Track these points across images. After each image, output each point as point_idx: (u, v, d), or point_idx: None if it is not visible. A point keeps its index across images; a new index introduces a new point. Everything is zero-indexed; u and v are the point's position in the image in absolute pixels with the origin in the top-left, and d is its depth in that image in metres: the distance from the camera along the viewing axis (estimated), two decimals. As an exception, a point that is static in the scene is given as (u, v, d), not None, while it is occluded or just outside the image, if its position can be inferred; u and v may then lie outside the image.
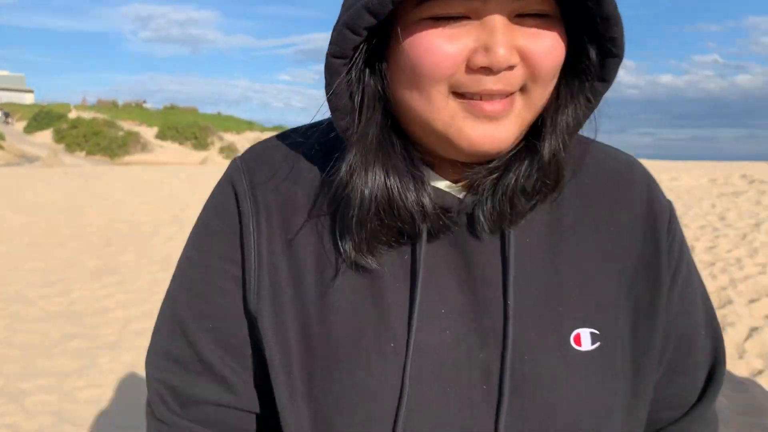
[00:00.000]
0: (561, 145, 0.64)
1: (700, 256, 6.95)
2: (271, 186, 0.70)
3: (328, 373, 0.65)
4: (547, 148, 0.64)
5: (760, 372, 3.99)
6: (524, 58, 0.58)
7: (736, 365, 4.07)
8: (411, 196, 0.63)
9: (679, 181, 15.90)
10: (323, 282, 0.66)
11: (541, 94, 0.61)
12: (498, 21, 0.56)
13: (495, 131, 0.59)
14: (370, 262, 0.65)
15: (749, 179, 15.48)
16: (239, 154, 0.75)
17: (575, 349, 0.66)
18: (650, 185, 0.74)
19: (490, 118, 0.59)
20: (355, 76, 0.61)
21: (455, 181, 0.68)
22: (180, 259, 0.74)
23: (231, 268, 0.70)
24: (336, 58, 0.59)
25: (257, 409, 0.73)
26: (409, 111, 0.62)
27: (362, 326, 0.65)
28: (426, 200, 0.64)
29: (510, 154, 0.65)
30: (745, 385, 3.64)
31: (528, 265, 0.67)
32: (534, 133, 0.64)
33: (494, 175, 0.64)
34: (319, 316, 0.66)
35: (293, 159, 0.71)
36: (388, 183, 0.63)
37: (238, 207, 0.69)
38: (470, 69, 0.57)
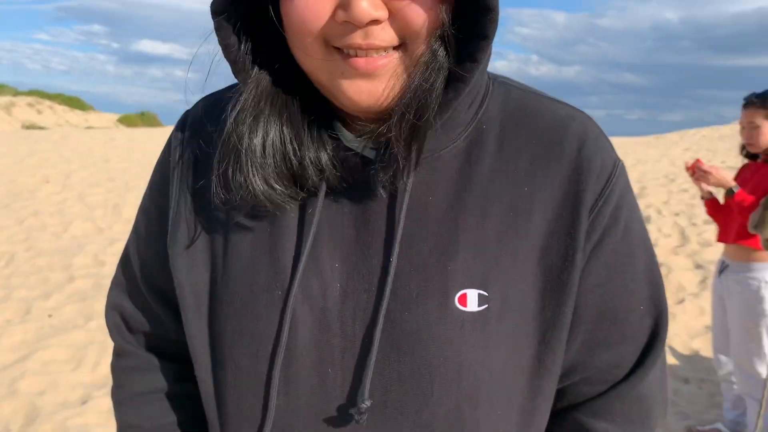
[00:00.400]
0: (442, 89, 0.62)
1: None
2: (194, 139, 0.74)
3: (224, 315, 0.69)
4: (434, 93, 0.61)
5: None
6: (393, 14, 0.57)
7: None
8: (307, 151, 0.64)
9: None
10: (228, 230, 0.70)
11: (423, 49, 0.60)
12: None
13: (372, 87, 0.60)
14: (269, 208, 0.66)
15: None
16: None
17: (458, 309, 0.64)
18: (584, 143, 0.67)
19: (366, 74, 0.59)
20: (243, 28, 0.63)
21: (360, 136, 0.65)
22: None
23: (160, 216, 0.77)
24: (217, 15, 0.62)
25: (184, 338, 0.76)
26: (302, 66, 0.64)
27: (255, 273, 0.68)
28: (323, 155, 0.65)
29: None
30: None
31: (424, 221, 0.66)
32: None
33: (383, 126, 0.62)
34: (223, 264, 0.70)
35: (218, 113, 0.71)
36: (282, 135, 0.64)
37: (169, 158, 0.76)
38: (336, 23, 0.58)
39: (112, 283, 0.84)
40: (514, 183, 0.67)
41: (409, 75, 0.61)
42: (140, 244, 0.80)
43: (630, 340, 0.71)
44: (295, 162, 0.65)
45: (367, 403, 0.64)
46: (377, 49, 0.59)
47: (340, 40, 0.59)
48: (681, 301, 5.16)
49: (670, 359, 4.19)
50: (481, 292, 0.65)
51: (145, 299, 0.81)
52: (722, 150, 15.16)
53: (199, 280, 0.71)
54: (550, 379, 0.69)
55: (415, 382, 0.64)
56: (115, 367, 0.85)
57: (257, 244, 0.69)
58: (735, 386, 3.19)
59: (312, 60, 0.61)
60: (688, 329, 4.70)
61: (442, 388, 0.64)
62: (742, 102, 3.02)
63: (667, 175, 11.39)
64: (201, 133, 0.74)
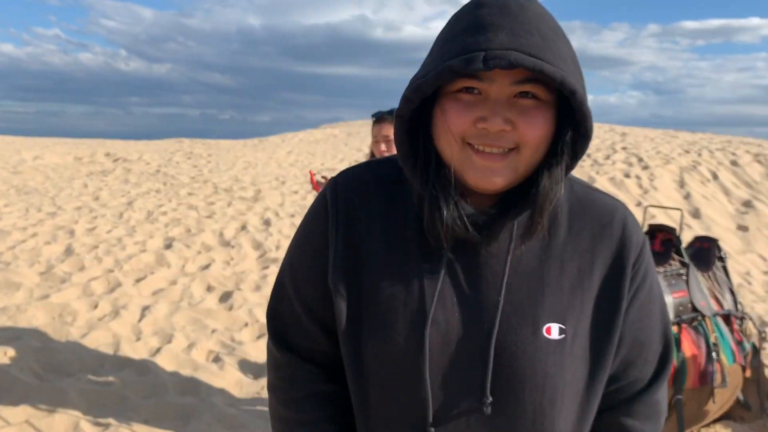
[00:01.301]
0: (549, 190, 0.90)
1: (82, 240, 6.95)
2: (347, 198, 1.00)
3: (372, 336, 0.94)
4: (541, 192, 0.90)
5: (158, 350, 4.34)
6: (514, 127, 0.85)
7: (135, 348, 4.37)
8: (448, 215, 0.90)
9: (43, 159, 14.54)
10: (376, 269, 0.96)
11: (530, 155, 0.87)
12: (496, 100, 0.85)
13: (491, 176, 0.87)
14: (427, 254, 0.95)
15: (113, 157, 15.07)
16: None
17: (545, 337, 0.93)
18: (626, 226, 0.99)
19: (487, 167, 0.87)
20: (410, 129, 0.93)
21: (481, 210, 0.93)
22: (291, 242, 1.07)
23: (315, 256, 1.01)
24: (399, 117, 0.90)
25: (333, 352, 1.04)
26: (441, 154, 0.91)
27: (398, 304, 0.93)
28: (456, 217, 0.90)
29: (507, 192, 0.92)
30: (148, 367, 4.07)
31: (520, 275, 0.94)
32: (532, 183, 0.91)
33: (497, 210, 0.93)
34: (372, 294, 0.95)
35: (373, 182, 1.01)
36: (435, 207, 0.91)
37: (326, 211, 1.00)
38: (475, 128, 0.86)
39: (269, 306, 1.09)
40: (581, 251, 0.97)
41: (515, 170, 0.88)
42: (296, 276, 1.04)
43: (650, 361, 1.02)
44: (439, 222, 0.91)
45: (490, 398, 0.91)
46: (498, 147, 0.86)
47: (475, 140, 0.86)
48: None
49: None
50: (561, 325, 0.94)
51: (299, 317, 1.03)
52: (320, 152, 16.50)
53: (352, 307, 0.96)
54: (600, 388, 0.98)
55: (514, 387, 0.92)
56: (277, 375, 1.07)
57: (397, 282, 0.94)
58: None
59: (450, 151, 0.89)
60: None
61: (532, 392, 0.92)
62: (371, 117, 3.35)
63: (277, 177, 12.20)
64: (353, 195, 1.00)
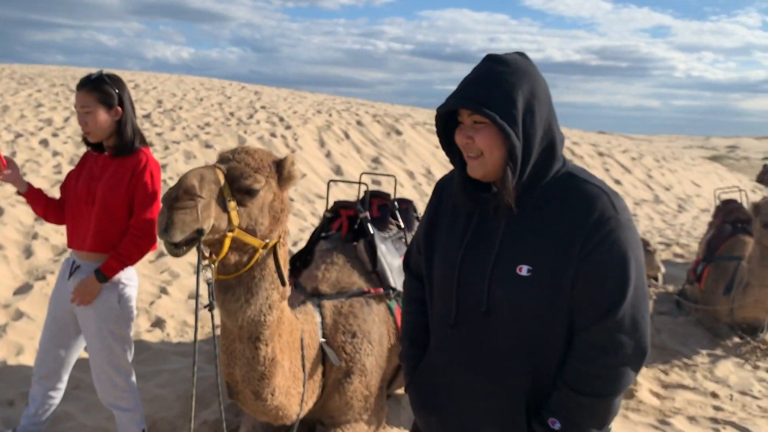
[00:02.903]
0: (507, 179, 1.54)
1: None
2: (444, 190, 1.80)
3: (435, 268, 1.74)
4: (504, 181, 1.55)
5: None
6: (473, 140, 1.54)
7: None
8: (459, 191, 1.66)
9: None
10: (442, 231, 1.75)
11: (488, 157, 1.55)
12: (464, 125, 1.57)
13: (472, 170, 1.58)
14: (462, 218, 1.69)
15: None
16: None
17: (517, 274, 1.55)
18: (595, 206, 1.52)
19: (470, 165, 1.58)
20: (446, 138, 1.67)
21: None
22: None
23: (426, 224, 1.83)
24: (437, 129, 1.67)
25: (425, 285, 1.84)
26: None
27: (445, 251, 1.71)
28: (472, 197, 1.65)
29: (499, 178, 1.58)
30: None
31: (509, 229, 1.59)
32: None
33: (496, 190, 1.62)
34: (439, 244, 1.75)
35: (449, 180, 1.80)
36: (462, 188, 1.65)
37: (433, 198, 1.83)
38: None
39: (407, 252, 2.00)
40: (549, 217, 1.55)
41: (485, 166, 1.57)
42: (416, 237, 1.90)
43: (595, 308, 1.55)
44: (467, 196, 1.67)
45: (484, 307, 1.59)
46: (471, 152, 1.57)
47: (463, 150, 1.62)
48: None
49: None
50: (529, 267, 1.54)
51: (416, 255, 1.89)
52: None
53: (428, 252, 1.78)
54: (561, 313, 1.55)
55: (501, 304, 1.57)
56: (405, 283, 1.98)
57: (452, 234, 1.70)
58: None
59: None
60: None
61: (512, 309, 1.56)
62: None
63: None
64: (438, 190, 1.83)
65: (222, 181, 2.25)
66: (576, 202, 1.54)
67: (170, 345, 4.37)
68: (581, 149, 15.64)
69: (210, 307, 2.25)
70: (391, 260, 3.41)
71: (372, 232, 3.43)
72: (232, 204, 2.25)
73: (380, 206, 3.76)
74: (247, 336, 2.51)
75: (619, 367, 1.52)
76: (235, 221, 2.25)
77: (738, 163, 34.40)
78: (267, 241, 2.40)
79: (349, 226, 3.53)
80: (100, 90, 2.79)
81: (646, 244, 3.74)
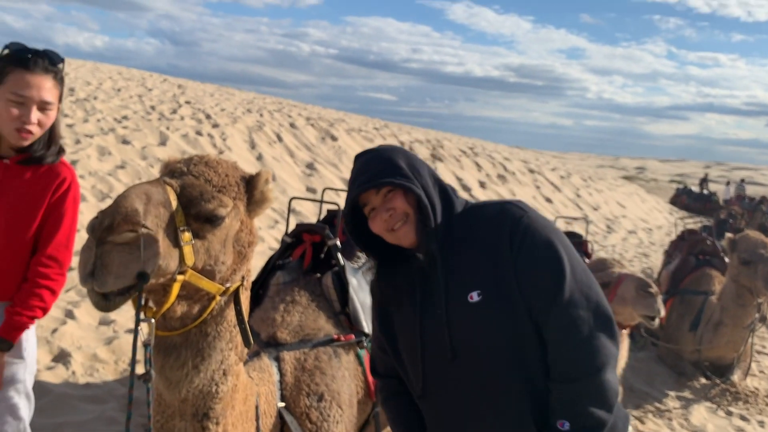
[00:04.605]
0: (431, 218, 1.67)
1: None
2: (378, 288, 1.86)
3: (399, 353, 1.81)
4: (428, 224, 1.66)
5: None
6: (396, 208, 1.67)
7: None
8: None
9: None
10: (395, 316, 1.81)
11: (412, 217, 1.67)
12: (379, 207, 1.69)
13: (407, 235, 1.69)
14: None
15: None
16: None
17: (470, 302, 1.63)
18: (505, 216, 1.66)
19: (402, 234, 1.70)
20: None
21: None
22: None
23: (378, 321, 1.86)
24: (349, 228, 1.79)
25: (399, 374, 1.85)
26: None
27: (407, 319, 1.76)
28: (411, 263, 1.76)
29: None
30: None
31: (447, 270, 1.67)
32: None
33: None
34: (398, 325, 1.80)
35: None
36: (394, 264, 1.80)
37: (374, 300, 1.89)
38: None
39: (372, 343, 1.96)
40: (477, 240, 1.68)
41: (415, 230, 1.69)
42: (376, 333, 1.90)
43: (545, 291, 1.62)
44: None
45: (450, 353, 1.66)
46: (400, 221, 1.69)
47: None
48: None
49: None
50: (478, 291, 1.63)
51: (381, 356, 1.92)
52: None
53: (392, 339, 1.82)
54: (524, 326, 1.62)
55: (467, 342, 1.64)
56: (380, 387, 1.98)
57: (405, 308, 1.77)
58: None
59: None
60: None
61: (479, 340, 1.63)
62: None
63: None
64: (378, 285, 1.89)
65: (174, 204, 1.59)
66: (489, 220, 1.70)
67: (76, 387, 3.55)
68: (513, 165, 15.50)
69: (146, 377, 1.60)
70: (363, 298, 2.80)
71: (342, 263, 2.81)
72: (186, 236, 1.60)
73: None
74: (191, 412, 1.84)
75: (592, 340, 1.57)
76: (189, 260, 1.61)
77: (648, 185, 35.77)
78: (227, 285, 1.76)
79: (313, 254, 2.89)
80: (62, 81, 2.09)
81: (647, 286, 3.32)
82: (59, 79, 2.06)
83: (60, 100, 2.08)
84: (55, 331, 4.04)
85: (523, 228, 1.62)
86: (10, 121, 1.97)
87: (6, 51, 2.02)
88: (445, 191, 1.75)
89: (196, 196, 1.64)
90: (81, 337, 4.07)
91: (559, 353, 1.58)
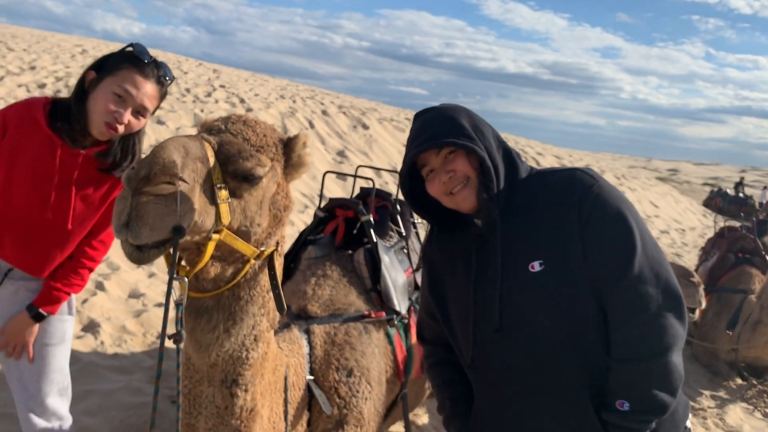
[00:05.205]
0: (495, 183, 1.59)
1: None
2: (431, 252, 1.85)
3: (451, 323, 1.78)
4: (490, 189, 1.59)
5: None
6: (456, 170, 1.60)
7: None
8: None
9: None
10: (447, 285, 1.79)
11: (474, 180, 1.60)
12: (438, 169, 1.62)
13: (467, 200, 1.62)
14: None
15: None
16: None
17: (531, 272, 1.56)
18: (574, 184, 1.57)
19: (461, 198, 1.63)
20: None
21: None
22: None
23: (428, 289, 1.85)
24: (404, 191, 1.74)
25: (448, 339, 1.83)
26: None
27: (460, 293, 1.72)
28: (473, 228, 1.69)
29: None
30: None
31: (507, 238, 1.60)
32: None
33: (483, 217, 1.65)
34: (450, 296, 1.77)
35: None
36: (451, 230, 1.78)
37: (425, 265, 1.89)
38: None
39: (420, 311, 1.97)
40: (544, 207, 1.60)
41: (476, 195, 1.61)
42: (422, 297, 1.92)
43: (613, 265, 1.54)
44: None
45: (498, 324, 1.61)
46: (459, 184, 1.62)
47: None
48: None
49: None
50: (540, 261, 1.56)
51: (429, 323, 1.91)
52: None
53: (445, 307, 1.79)
54: (588, 304, 1.54)
55: (519, 315, 1.59)
56: (426, 353, 1.96)
57: (458, 279, 1.73)
58: None
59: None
60: None
61: (530, 308, 1.58)
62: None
63: None
64: (432, 249, 1.85)
65: (212, 160, 1.55)
66: (556, 187, 1.61)
67: (105, 357, 3.57)
68: (546, 160, 15.33)
69: (177, 338, 1.57)
70: (395, 276, 2.75)
71: (375, 240, 2.75)
72: (223, 194, 1.56)
73: (378, 208, 3.06)
74: (220, 378, 1.81)
75: (658, 319, 1.49)
76: (225, 219, 1.57)
77: (681, 187, 35.18)
78: (262, 248, 1.72)
79: (345, 230, 2.84)
80: (163, 97, 2.17)
81: (689, 275, 3.21)
82: (162, 94, 2.13)
83: (153, 112, 2.14)
84: (85, 301, 4.07)
85: (593, 197, 1.54)
86: (105, 112, 2.02)
87: (129, 48, 2.08)
88: (509, 155, 1.67)
89: (234, 154, 1.60)
90: (110, 309, 4.09)
91: (624, 331, 1.51)
